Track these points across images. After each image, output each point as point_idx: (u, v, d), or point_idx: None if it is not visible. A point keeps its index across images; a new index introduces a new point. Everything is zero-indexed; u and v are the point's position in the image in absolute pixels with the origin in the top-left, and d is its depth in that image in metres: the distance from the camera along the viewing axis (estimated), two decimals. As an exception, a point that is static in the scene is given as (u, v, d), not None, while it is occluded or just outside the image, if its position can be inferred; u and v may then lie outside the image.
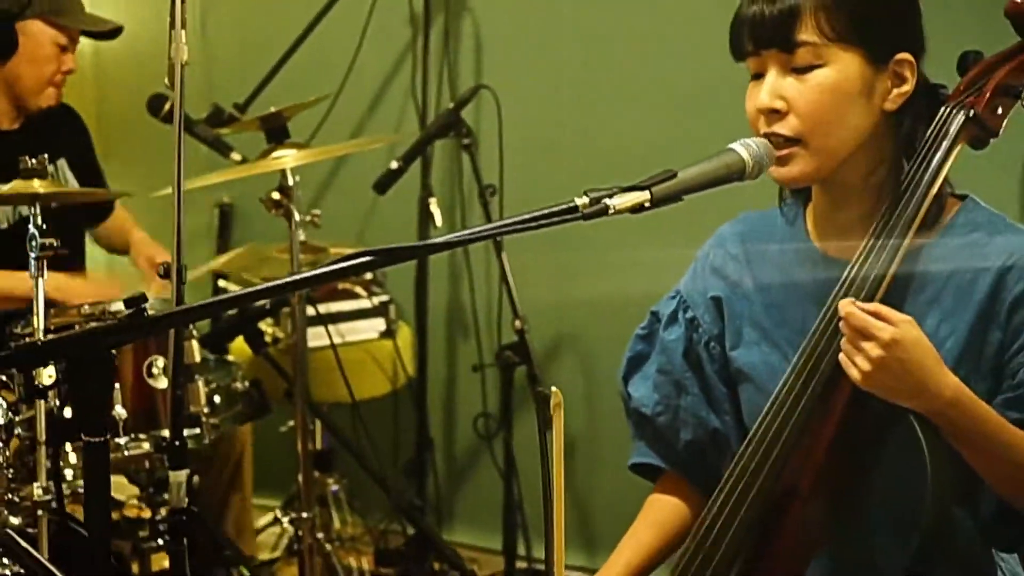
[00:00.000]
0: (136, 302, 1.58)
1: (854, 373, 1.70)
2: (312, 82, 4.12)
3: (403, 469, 4.16)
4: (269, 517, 4.27)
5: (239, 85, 3.87)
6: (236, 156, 3.59)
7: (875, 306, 1.70)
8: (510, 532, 3.55)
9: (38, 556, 1.54)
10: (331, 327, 3.68)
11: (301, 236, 3.07)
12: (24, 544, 1.51)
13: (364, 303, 3.81)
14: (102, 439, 1.61)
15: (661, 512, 2.07)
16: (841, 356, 1.71)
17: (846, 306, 1.71)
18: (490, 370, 3.97)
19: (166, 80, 2.51)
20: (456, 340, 4.20)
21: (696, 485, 2.03)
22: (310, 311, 3.56)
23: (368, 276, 3.88)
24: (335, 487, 4.03)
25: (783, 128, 1.77)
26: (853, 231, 1.83)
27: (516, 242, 3.31)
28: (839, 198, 1.86)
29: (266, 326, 3.72)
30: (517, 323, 3.41)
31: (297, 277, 1.58)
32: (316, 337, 3.51)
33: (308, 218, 3.05)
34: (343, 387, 3.58)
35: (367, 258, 1.61)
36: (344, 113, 4.16)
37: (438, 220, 3.73)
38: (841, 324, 1.71)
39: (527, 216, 1.62)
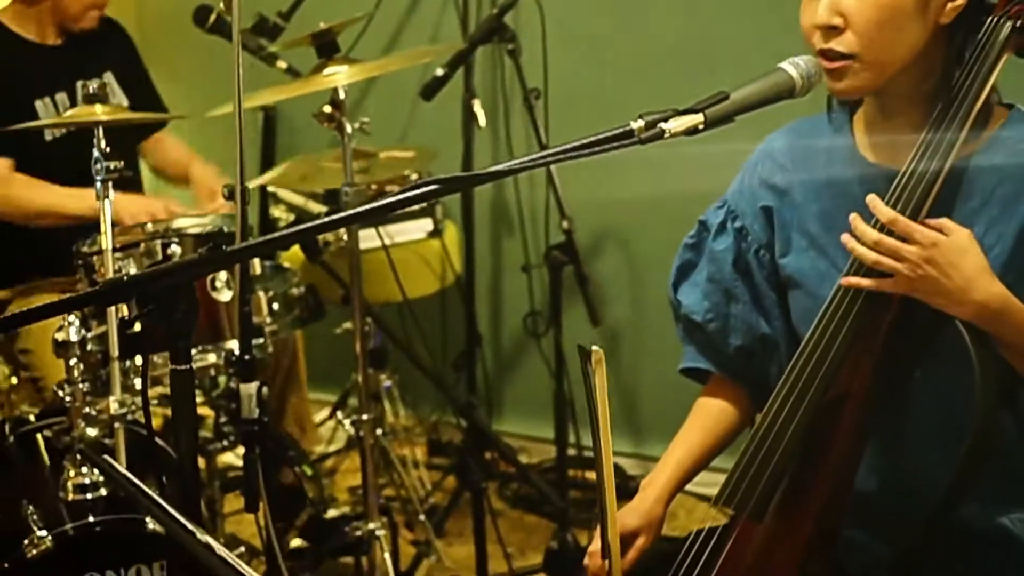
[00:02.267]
0: (211, 238, 1.65)
1: (898, 287, 1.77)
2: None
3: (453, 364, 4.26)
4: (324, 413, 4.41)
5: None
6: (282, 65, 3.64)
7: (906, 227, 1.76)
8: (560, 423, 3.65)
9: (117, 466, 1.62)
10: (380, 229, 3.76)
11: (352, 144, 3.12)
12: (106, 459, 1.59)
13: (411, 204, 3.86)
14: (188, 367, 1.70)
15: (710, 414, 2.14)
16: (886, 260, 1.77)
17: (887, 213, 1.77)
18: (537, 269, 4.04)
19: (221, 4, 2.58)
20: (502, 238, 4.28)
21: (745, 388, 2.11)
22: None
23: (414, 177, 3.94)
24: (387, 383, 4.14)
25: (840, 45, 1.80)
26: (902, 140, 1.87)
27: (559, 138, 3.34)
28: (889, 107, 1.90)
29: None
30: (564, 224, 3.47)
31: (362, 209, 1.65)
32: (366, 239, 3.56)
33: (358, 125, 3.09)
34: (394, 287, 3.65)
35: (433, 187, 1.67)
36: (385, 20, 4.19)
37: (482, 121, 3.77)
38: (868, 242, 1.78)
39: (584, 141, 1.66)
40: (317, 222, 1.68)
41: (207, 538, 1.44)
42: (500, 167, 1.69)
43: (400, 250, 3.85)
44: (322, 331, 3.72)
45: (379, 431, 3.69)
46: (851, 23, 1.79)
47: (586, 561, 2.01)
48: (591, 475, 4.06)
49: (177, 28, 3.68)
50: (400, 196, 1.69)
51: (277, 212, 4.08)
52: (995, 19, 1.84)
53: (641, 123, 1.65)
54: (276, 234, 1.70)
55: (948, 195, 1.84)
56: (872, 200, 1.81)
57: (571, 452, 4.00)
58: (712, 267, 2.10)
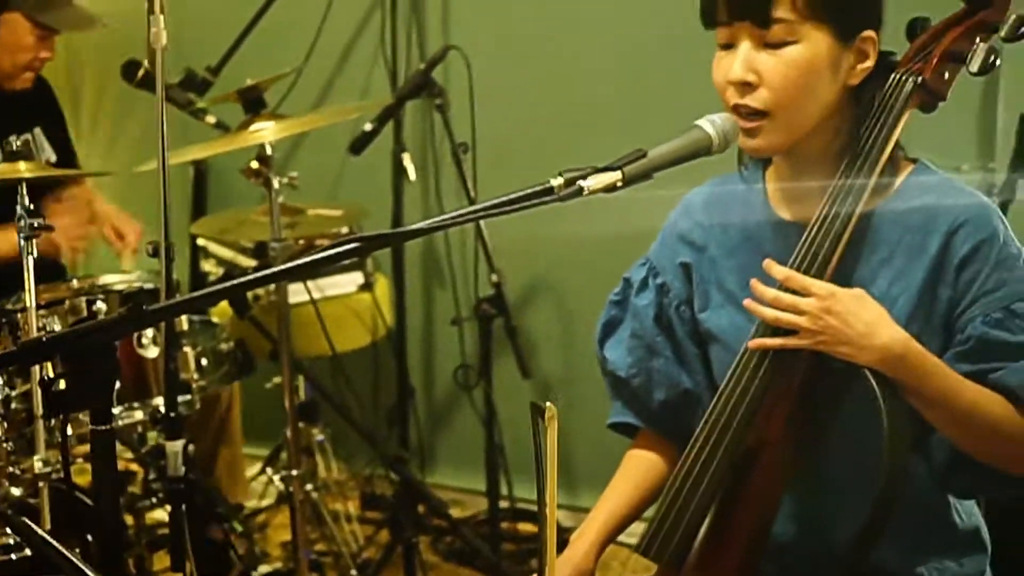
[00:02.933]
0: (133, 297, 1.65)
1: (802, 342, 1.80)
2: (282, 44, 4.17)
3: (385, 416, 4.26)
4: (256, 467, 4.38)
5: (210, 46, 3.89)
6: (211, 119, 3.63)
7: (802, 281, 1.80)
8: (492, 475, 3.65)
9: (37, 530, 1.61)
10: (310, 283, 3.75)
11: (280, 199, 3.13)
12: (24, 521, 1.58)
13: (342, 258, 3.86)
14: (108, 427, 1.69)
15: (639, 467, 2.16)
16: (785, 316, 1.81)
17: (781, 271, 1.82)
18: (468, 321, 4.05)
19: (146, 62, 2.58)
20: (434, 291, 4.29)
21: (671, 441, 2.13)
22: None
23: (344, 230, 3.94)
24: (320, 437, 4.12)
25: (754, 101, 1.83)
26: (812, 196, 1.90)
27: (488, 191, 3.37)
28: (800, 166, 1.93)
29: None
30: (494, 277, 3.49)
31: (288, 265, 1.65)
32: (296, 293, 3.58)
33: (286, 181, 3.10)
34: (324, 341, 3.66)
35: (354, 244, 1.69)
36: (314, 75, 4.21)
37: (411, 175, 3.80)
38: (766, 299, 1.83)
39: (504, 199, 1.70)
40: (240, 280, 1.68)
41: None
42: (420, 225, 1.71)
43: (331, 303, 3.85)
44: (254, 385, 3.71)
45: (310, 486, 3.67)
46: (765, 81, 1.83)
47: None
48: (524, 527, 4.07)
49: (106, 83, 3.67)
50: (323, 254, 1.71)
51: (207, 266, 4.06)
52: (898, 76, 1.89)
53: (560, 180, 1.69)
54: (198, 292, 1.68)
55: (856, 247, 1.88)
56: (767, 263, 1.85)
57: (504, 504, 4.01)
58: (635, 323, 2.12)
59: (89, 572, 1.48)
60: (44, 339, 1.63)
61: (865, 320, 1.77)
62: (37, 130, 3.59)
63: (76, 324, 1.65)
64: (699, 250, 2.07)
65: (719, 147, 1.79)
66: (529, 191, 1.69)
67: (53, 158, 3.60)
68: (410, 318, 4.20)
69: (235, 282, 1.68)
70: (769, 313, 1.82)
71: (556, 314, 4.03)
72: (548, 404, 1.60)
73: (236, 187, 4.43)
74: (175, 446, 2.35)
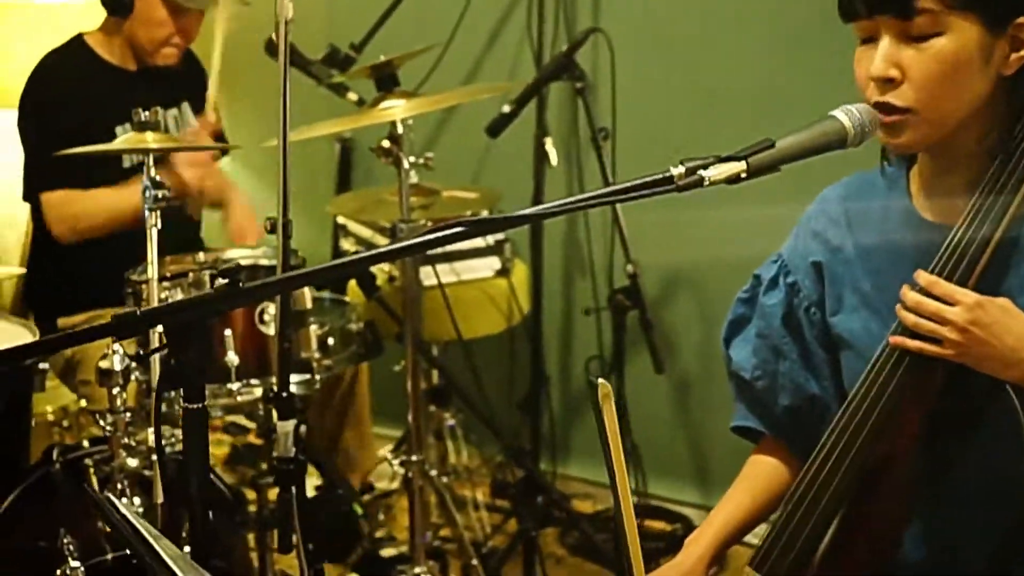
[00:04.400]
0: (232, 273, 1.60)
1: (944, 352, 1.68)
2: (427, 23, 4.14)
3: (518, 405, 4.19)
4: (388, 448, 4.36)
5: (358, 23, 3.87)
6: (352, 96, 3.61)
7: (947, 289, 1.68)
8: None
9: (115, 501, 1.57)
10: (447, 265, 3.71)
11: (414, 179, 3.08)
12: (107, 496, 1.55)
13: (479, 242, 3.82)
14: (200, 405, 1.65)
15: (759, 474, 2.06)
16: (925, 323, 1.69)
17: (926, 277, 1.70)
18: (603, 312, 3.97)
19: (273, 35, 2.55)
20: (572, 279, 4.21)
21: (795, 449, 2.02)
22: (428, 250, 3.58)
23: (484, 214, 3.89)
24: (451, 421, 4.08)
25: (897, 99, 1.71)
26: (959, 196, 1.77)
27: (628, 178, 3.29)
28: (947, 163, 1.80)
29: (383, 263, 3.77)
30: (629, 267, 3.39)
31: (384, 249, 1.59)
32: (432, 275, 3.55)
33: (421, 160, 3.05)
34: (458, 324, 3.60)
35: (457, 229, 1.62)
36: (458, 57, 4.16)
37: (553, 160, 3.72)
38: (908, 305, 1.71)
39: (621, 187, 1.63)
40: (335, 263, 1.63)
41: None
42: (525, 212, 1.64)
43: (467, 288, 3.81)
44: (386, 368, 3.68)
45: (435, 471, 3.63)
46: (909, 76, 1.70)
47: None
48: (654, 524, 3.97)
49: (247, 57, 3.66)
50: (426, 237, 1.65)
51: (347, 244, 4.05)
52: (1061, 71, 1.74)
53: (681, 169, 1.61)
54: (292, 273, 1.64)
55: (1005, 255, 1.74)
56: (917, 273, 1.73)
57: (637, 501, 3.92)
58: (762, 323, 2.02)
59: (161, 552, 1.42)
60: (138, 312, 1.59)
61: (1015, 334, 1.65)
62: (185, 105, 3.64)
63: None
64: (834, 250, 1.94)
65: (855, 140, 1.68)
66: (647, 179, 1.62)
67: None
68: (548, 306, 4.11)
69: (327, 265, 1.62)
70: (910, 318, 1.71)
71: (696, 310, 3.92)
72: (601, 381, 1.51)
73: (381, 166, 4.42)
74: (286, 426, 2.31)
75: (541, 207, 1.63)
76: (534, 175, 3.82)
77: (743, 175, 1.62)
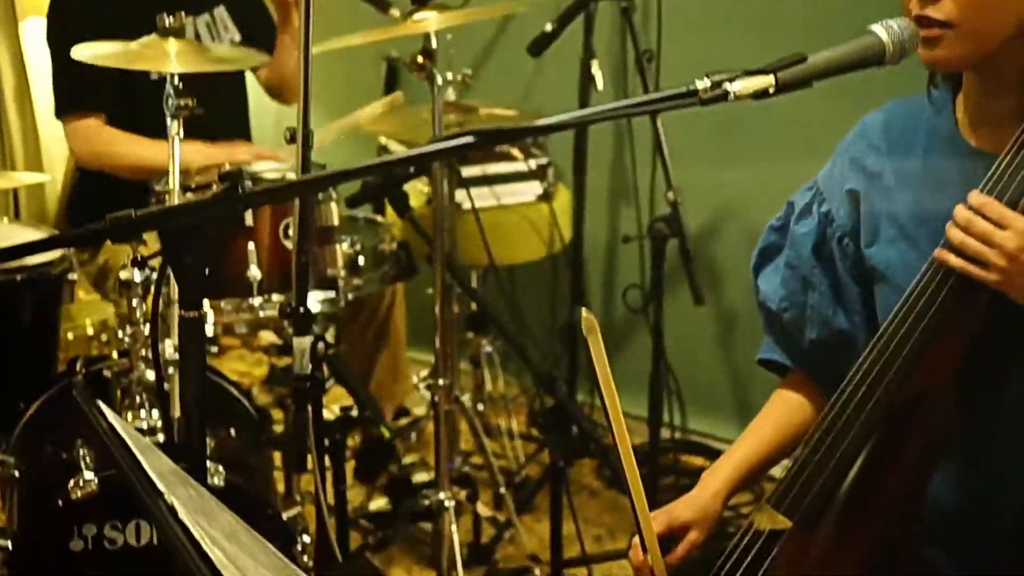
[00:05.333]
0: (231, 177, 1.54)
1: (987, 276, 1.59)
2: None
3: (558, 335, 4.13)
4: (425, 373, 4.31)
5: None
6: (395, 12, 3.52)
7: (1000, 211, 1.58)
8: (655, 403, 3.49)
9: (108, 415, 1.53)
10: (487, 189, 3.64)
11: (451, 96, 3.00)
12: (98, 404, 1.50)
13: (521, 166, 3.74)
14: (197, 314, 1.60)
15: (784, 408, 1.99)
16: (972, 243, 1.61)
17: (978, 198, 1.61)
18: (637, 240, 3.88)
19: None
20: (616, 208, 4.12)
21: (823, 385, 1.93)
22: (465, 172, 3.51)
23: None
24: (488, 348, 4.02)
25: (937, 12, 1.61)
26: (1007, 124, 1.67)
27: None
28: (993, 87, 1.70)
29: (422, 184, 3.70)
30: (670, 194, 3.30)
31: (389, 159, 1.52)
32: (473, 199, 3.47)
33: (459, 78, 2.97)
34: (499, 251, 3.54)
35: (468, 139, 1.55)
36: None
37: (599, 84, 3.62)
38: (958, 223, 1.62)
39: (642, 99, 1.61)
40: (343, 169, 1.56)
41: (176, 500, 1.32)
42: (543, 122, 1.58)
43: (507, 212, 3.74)
44: (422, 291, 3.63)
45: (466, 398, 3.58)
46: None
47: (629, 554, 1.86)
48: (688, 459, 3.90)
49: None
50: (435, 147, 1.58)
51: (388, 165, 3.98)
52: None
53: (707, 83, 1.53)
54: (302, 177, 1.57)
55: None
56: (972, 194, 1.63)
57: (674, 435, 3.86)
58: (792, 252, 1.93)
59: (151, 473, 1.37)
60: (134, 215, 1.53)
61: None
62: (220, 9, 3.51)
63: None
64: (872, 177, 1.84)
65: (893, 56, 1.60)
66: (672, 92, 1.55)
67: (237, 37, 3.52)
68: (590, 233, 4.02)
69: (345, 169, 1.56)
70: (957, 235, 1.61)
71: (743, 243, 3.81)
72: (585, 313, 1.44)
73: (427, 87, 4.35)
74: (303, 342, 2.25)
75: (554, 119, 1.56)
76: (579, 98, 3.72)
77: (771, 90, 1.54)
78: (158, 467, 1.40)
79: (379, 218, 3.36)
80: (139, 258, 2.08)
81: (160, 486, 1.34)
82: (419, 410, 4.10)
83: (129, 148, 3.28)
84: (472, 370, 4.11)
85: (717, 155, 3.75)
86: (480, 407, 4.00)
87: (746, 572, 1.76)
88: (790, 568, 1.73)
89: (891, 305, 1.73)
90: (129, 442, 1.44)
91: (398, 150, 3.87)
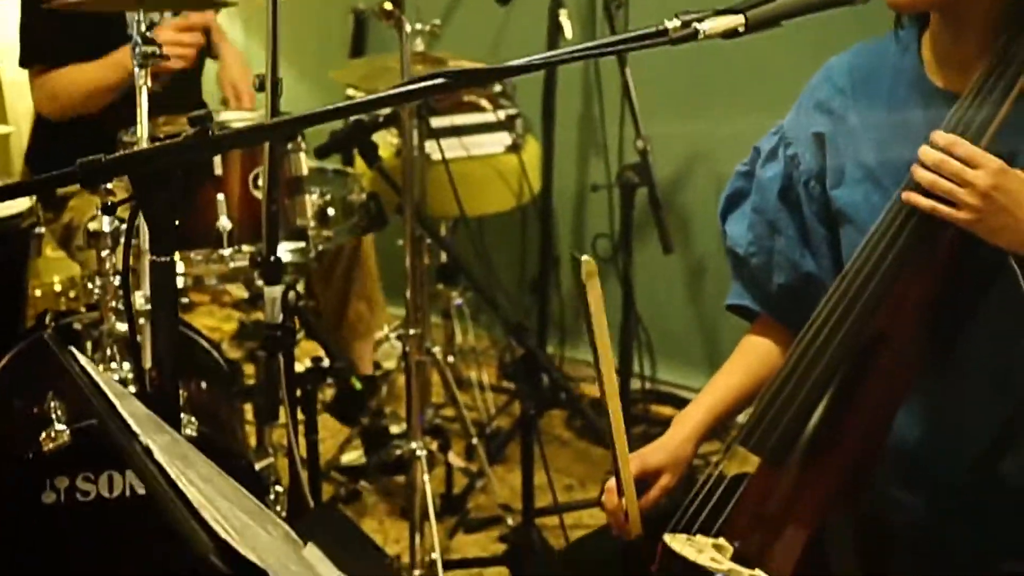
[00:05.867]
0: (201, 120, 1.53)
1: (959, 215, 1.59)
2: None
3: (528, 286, 4.13)
4: (380, 333, 4.31)
5: None
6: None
7: (970, 150, 1.58)
8: (625, 353, 3.51)
9: (81, 360, 1.52)
10: (456, 140, 3.62)
11: (420, 47, 2.99)
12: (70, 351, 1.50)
13: (489, 116, 3.73)
14: (168, 259, 1.60)
15: (753, 354, 2.00)
16: (943, 183, 1.60)
17: (946, 137, 1.60)
18: (605, 189, 3.89)
19: None
20: (587, 156, 4.12)
21: (791, 329, 1.94)
22: (435, 123, 3.50)
23: (496, 88, 3.79)
24: (458, 300, 4.03)
25: None
26: (972, 64, 1.68)
27: (646, 56, 3.21)
28: (958, 30, 1.70)
29: (391, 136, 3.68)
30: (639, 143, 3.30)
31: (362, 99, 1.51)
32: (438, 150, 3.46)
33: (427, 28, 2.96)
34: (468, 201, 3.53)
35: (440, 80, 1.54)
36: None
37: (568, 32, 3.61)
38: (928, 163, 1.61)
39: (612, 40, 1.55)
40: (312, 112, 1.55)
41: (152, 443, 1.32)
42: (514, 63, 1.55)
43: (476, 163, 3.73)
44: (393, 243, 3.62)
45: (437, 350, 3.58)
46: None
47: (603, 498, 1.87)
48: (659, 409, 3.92)
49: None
50: (404, 88, 1.57)
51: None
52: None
53: (677, 23, 1.51)
54: (273, 120, 1.56)
55: (1015, 125, 1.64)
56: (934, 133, 1.63)
57: (643, 386, 3.87)
58: (758, 197, 1.94)
59: (127, 416, 1.36)
60: (104, 159, 1.52)
61: None
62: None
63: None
64: (837, 119, 1.85)
65: (863, -6, 1.58)
66: (641, 32, 1.52)
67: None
68: (559, 184, 4.03)
69: (306, 114, 1.55)
70: (927, 176, 1.60)
71: (711, 191, 3.82)
72: (585, 258, 1.43)
73: (394, 38, 4.32)
74: (273, 291, 2.25)
75: (525, 60, 1.54)
76: (547, 48, 3.71)
77: (740, 29, 1.53)
78: (133, 411, 1.40)
79: (348, 169, 3.34)
80: (109, 204, 2.07)
81: (136, 429, 1.34)
82: (389, 363, 4.10)
83: (75, 76, 3.23)
84: (443, 322, 4.12)
85: (685, 104, 3.75)
86: (451, 359, 4.00)
87: (712, 509, 1.78)
88: (758, 502, 1.74)
89: (855, 245, 1.74)
90: (103, 387, 1.44)
91: (362, 98, 3.85)
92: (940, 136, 1.62)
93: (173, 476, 1.23)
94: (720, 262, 3.86)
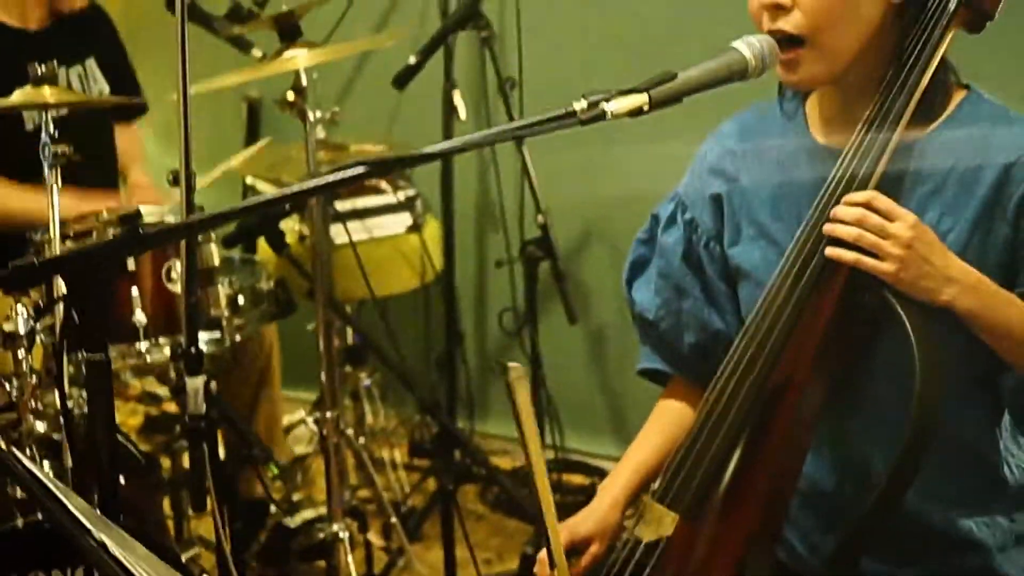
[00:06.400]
0: (130, 219, 1.57)
1: (885, 268, 1.67)
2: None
3: (435, 362, 4.18)
4: (301, 412, 4.33)
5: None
6: (257, 52, 3.56)
7: (888, 204, 1.67)
8: (538, 424, 3.56)
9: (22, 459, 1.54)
10: (358, 223, 3.67)
11: (320, 134, 3.04)
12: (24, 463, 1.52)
13: (390, 198, 3.78)
14: (103, 356, 1.62)
15: (668, 416, 2.05)
16: (869, 236, 1.67)
17: (866, 193, 1.68)
18: (516, 264, 3.96)
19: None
20: (485, 234, 4.20)
21: (702, 387, 2.02)
22: (338, 206, 3.55)
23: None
24: (367, 382, 4.05)
25: (787, 24, 1.72)
26: (853, 124, 1.77)
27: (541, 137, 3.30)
28: (848, 97, 1.81)
29: (293, 222, 3.72)
30: (540, 217, 3.38)
31: (292, 190, 1.56)
32: (343, 233, 3.50)
33: (328, 116, 3.02)
34: (371, 283, 3.57)
35: (359, 169, 1.59)
36: (365, 9, 4.11)
37: (462, 113, 3.68)
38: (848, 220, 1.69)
39: (524, 123, 1.62)
40: (245, 204, 1.61)
41: (104, 537, 1.34)
42: (429, 149, 1.60)
43: (379, 245, 3.77)
44: (300, 328, 3.65)
45: (351, 430, 3.61)
46: (799, 1, 1.71)
47: (536, 569, 1.92)
48: (572, 478, 3.98)
49: (153, 13, 3.59)
50: (328, 179, 1.62)
51: (255, 206, 4.00)
52: (942, -7, 1.75)
53: (584, 104, 1.58)
54: (199, 216, 1.61)
55: (899, 179, 1.75)
56: (848, 196, 1.71)
57: (554, 455, 3.92)
58: (662, 261, 2.01)
59: (71, 507, 1.39)
60: (37, 262, 1.55)
61: (941, 254, 1.67)
62: (91, 61, 3.50)
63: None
64: (730, 180, 1.95)
65: (755, 70, 1.68)
66: (551, 115, 1.59)
67: (106, 90, 3.53)
68: (461, 262, 4.09)
69: (228, 209, 1.59)
70: (851, 231, 1.68)
71: (610, 261, 3.92)
72: (512, 364, 1.47)
73: (288, 126, 4.37)
74: (196, 382, 2.26)
75: (444, 144, 1.60)
76: (443, 128, 3.79)
77: (645, 107, 1.60)
78: (80, 507, 1.42)
79: (254, 257, 3.38)
80: (40, 305, 2.09)
81: (87, 524, 1.36)
82: (299, 448, 4.11)
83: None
84: (352, 404, 4.14)
85: (579, 176, 3.84)
86: (361, 440, 4.02)
87: (636, 566, 1.83)
88: (679, 557, 1.79)
89: (755, 300, 1.82)
90: (50, 484, 1.46)
91: (266, 189, 3.89)
92: (857, 195, 1.70)
93: (131, 568, 1.26)
94: (620, 330, 3.98)
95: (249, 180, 3.97)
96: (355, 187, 3.72)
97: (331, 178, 1.58)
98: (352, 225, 3.60)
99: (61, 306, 2.42)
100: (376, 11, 4.17)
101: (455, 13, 3.56)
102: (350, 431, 3.60)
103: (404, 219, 3.83)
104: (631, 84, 1.61)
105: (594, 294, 3.97)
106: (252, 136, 4.46)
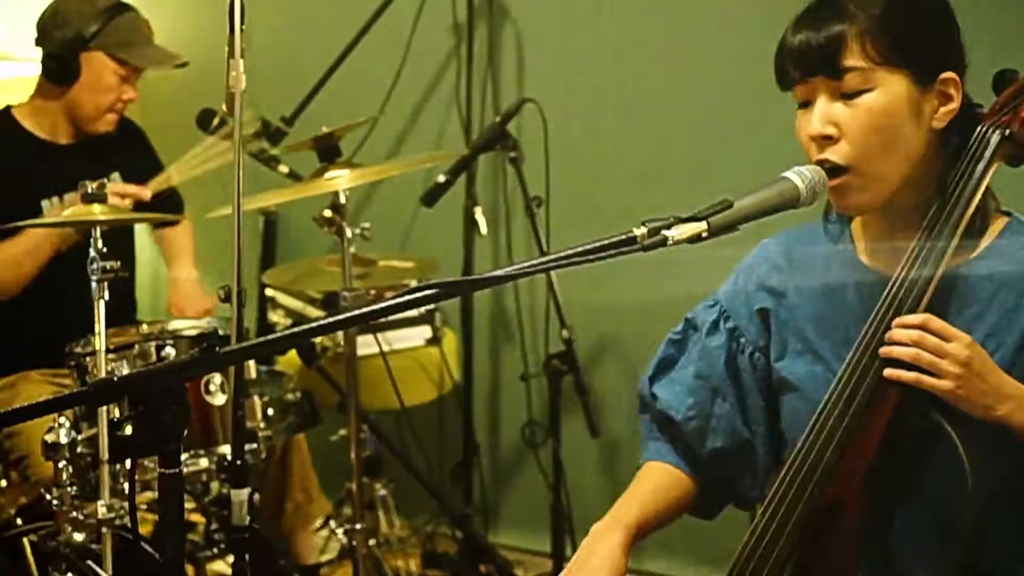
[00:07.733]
0: (208, 338, 1.61)
1: (945, 385, 1.73)
2: (357, 95, 4.18)
3: (450, 473, 4.20)
4: (318, 522, 4.33)
5: (283, 99, 3.91)
6: (283, 169, 3.64)
7: (942, 325, 1.74)
8: (557, 536, 3.59)
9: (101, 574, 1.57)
10: (378, 335, 3.72)
11: (352, 249, 3.11)
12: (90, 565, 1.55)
13: (410, 311, 3.84)
14: (177, 470, 1.66)
15: (663, 477, 2.07)
16: (926, 356, 1.74)
17: (920, 316, 1.75)
18: (536, 378, 4.01)
19: (223, 106, 2.58)
20: (501, 347, 4.24)
21: (707, 492, 2.08)
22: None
23: (414, 281, 3.91)
24: (383, 492, 4.07)
25: (835, 155, 1.79)
26: (902, 248, 1.85)
27: (561, 246, 3.35)
28: (895, 223, 1.88)
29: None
30: (564, 332, 3.44)
31: (361, 311, 1.62)
32: (364, 345, 3.55)
33: (358, 231, 3.09)
34: (391, 394, 3.62)
35: (431, 291, 1.64)
36: (389, 126, 4.20)
37: (483, 228, 3.75)
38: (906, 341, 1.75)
39: (584, 248, 1.65)
40: (314, 324, 1.65)
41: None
42: (500, 272, 1.66)
43: (398, 357, 3.82)
44: (319, 438, 3.68)
45: (372, 541, 3.62)
46: (845, 132, 1.79)
47: None
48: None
49: (181, 130, 3.67)
50: (398, 300, 1.66)
51: (275, 317, 4.05)
52: (984, 128, 1.84)
53: (644, 230, 1.63)
54: (271, 336, 1.65)
55: (945, 302, 1.83)
56: (899, 319, 1.78)
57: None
58: (702, 364, 2.06)
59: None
60: (115, 379, 1.60)
61: (996, 372, 1.74)
62: (115, 175, 3.58)
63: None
64: (778, 296, 2.02)
65: (806, 200, 1.75)
66: (611, 240, 1.64)
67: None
68: (478, 374, 4.15)
69: (310, 326, 1.65)
70: (909, 351, 1.75)
71: (624, 373, 3.97)
72: None
73: (305, 238, 4.43)
74: (240, 495, 2.30)
75: (509, 268, 1.64)
76: (464, 244, 3.87)
77: (704, 235, 1.65)
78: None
79: (278, 369, 3.42)
80: (114, 420, 2.13)
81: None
82: (325, 556, 4.12)
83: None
84: (367, 513, 4.15)
85: (591, 289, 3.89)
86: (376, 550, 4.03)
87: None
88: None
89: (799, 412, 1.90)
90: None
91: (287, 303, 3.95)
92: (911, 317, 1.77)
93: None
94: (633, 443, 3.98)
95: (269, 292, 4.03)
96: (375, 298, 3.78)
97: (408, 297, 1.63)
98: (371, 338, 3.65)
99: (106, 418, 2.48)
100: (397, 130, 4.26)
101: (484, 134, 3.63)
102: (372, 541, 3.62)
103: (424, 331, 3.90)
104: (653, 206, 1.66)
105: (609, 407, 4.01)
106: (269, 250, 4.51)
